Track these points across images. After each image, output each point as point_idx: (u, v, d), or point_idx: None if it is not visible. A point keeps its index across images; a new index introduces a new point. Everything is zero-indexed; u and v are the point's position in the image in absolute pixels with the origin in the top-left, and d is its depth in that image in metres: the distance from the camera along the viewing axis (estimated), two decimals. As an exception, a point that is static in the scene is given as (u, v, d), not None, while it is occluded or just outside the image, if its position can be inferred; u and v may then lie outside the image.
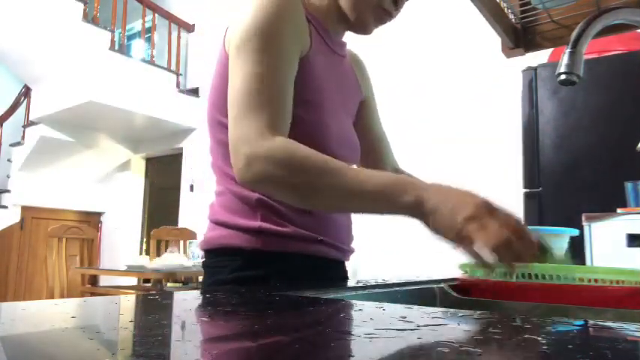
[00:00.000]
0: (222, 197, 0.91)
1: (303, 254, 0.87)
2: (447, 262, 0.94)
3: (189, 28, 5.99)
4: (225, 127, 0.85)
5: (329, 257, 0.91)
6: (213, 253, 0.90)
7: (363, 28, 0.92)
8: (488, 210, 0.63)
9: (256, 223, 0.85)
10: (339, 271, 0.98)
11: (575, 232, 1.10)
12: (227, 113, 0.84)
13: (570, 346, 0.36)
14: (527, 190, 2.29)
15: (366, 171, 0.73)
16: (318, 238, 0.88)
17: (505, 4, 1.36)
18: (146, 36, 5.86)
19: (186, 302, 0.61)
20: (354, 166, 0.76)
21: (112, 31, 5.14)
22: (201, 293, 0.71)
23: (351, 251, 0.99)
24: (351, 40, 1.00)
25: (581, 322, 0.47)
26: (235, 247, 0.86)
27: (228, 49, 0.84)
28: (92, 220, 6.42)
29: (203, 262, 0.94)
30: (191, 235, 4.32)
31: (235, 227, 0.86)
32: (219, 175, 0.92)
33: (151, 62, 5.43)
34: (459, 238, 0.62)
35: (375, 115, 1.10)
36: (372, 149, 1.06)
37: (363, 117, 1.06)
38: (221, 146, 0.89)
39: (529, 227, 0.90)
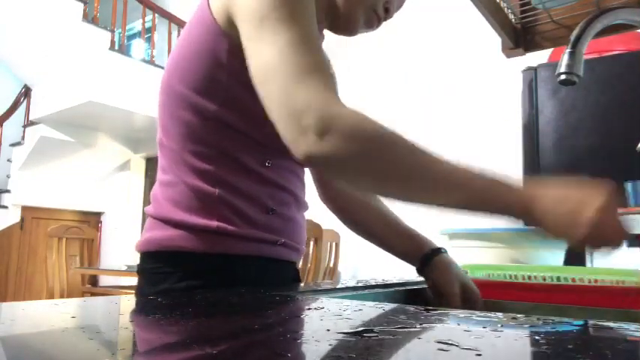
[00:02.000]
0: (171, 189, 0.78)
1: (262, 257, 0.80)
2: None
3: (189, 28, 5.98)
4: (191, 104, 0.75)
5: (285, 259, 0.85)
6: (157, 257, 0.78)
7: (350, 27, 0.84)
8: (611, 208, 0.61)
9: (214, 223, 0.74)
10: (292, 271, 0.92)
11: (575, 232, 1.10)
12: (199, 89, 0.75)
13: (570, 346, 0.36)
14: (527, 190, 2.29)
15: (457, 163, 0.63)
16: (280, 240, 0.81)
17: (505, 4, 1.36)
18: (146, 36, 5.86)
19: (186, 302, 0.61)
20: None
21: (112, 31, 5.14)
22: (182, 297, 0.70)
23: (304, 251, 0.93)
24: (351, 40, 1.00)
25: (581, 322, 0.47)
26: (187, 250, 0.75)
27: (219, 17, 0.73)
28: (92, 220, 6.42)
29: (139, 266, 0.82)
30: (191, 235, 4.32)
31: (187, 227, 0.75)
32: (172, 161, 0.79)
33: (151, 62, 5.43)
34: (581, 240, 0.60)
35: None
36: None
37: None
38: (182, 126, 0.77)
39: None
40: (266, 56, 0.65)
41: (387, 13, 0.86)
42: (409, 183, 0.62)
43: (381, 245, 0.95)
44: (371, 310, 0.52)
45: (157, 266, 0.78)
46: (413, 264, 0.90)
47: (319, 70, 0.64)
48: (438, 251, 0.88)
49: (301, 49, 0.65)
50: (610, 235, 0.61)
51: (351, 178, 0.65)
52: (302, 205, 0.91)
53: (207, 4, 0.75)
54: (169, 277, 0.76)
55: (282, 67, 0.64)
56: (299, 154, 0.62)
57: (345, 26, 0.85)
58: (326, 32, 0.93)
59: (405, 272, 1.11)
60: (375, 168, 0.62)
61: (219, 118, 0.75)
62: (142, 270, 0.82)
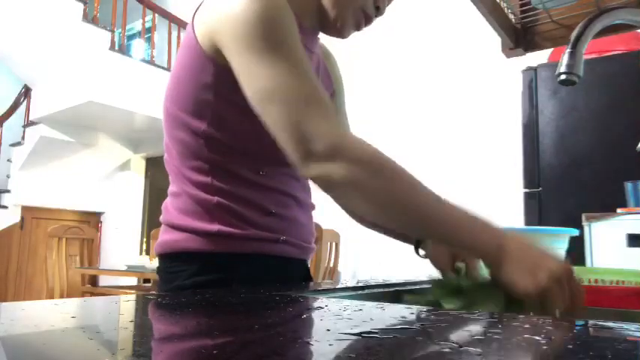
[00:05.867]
0: (177, 199, 0.85)
1: (264, 255, 0.84)
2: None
3: (189, 28, 5.98)
4: (186, 125, 0.80)
5: (291, 257, 0.88)
6: (169, 258, 0.85)
7: (340, 29, 0.86)
8: (568, 275, 0.63)
9: (214, 227, 0.80)
10: (302, 269, 0.94)
11: (575, 232, 1.10)
12: (189, 110, 0.80)
13: (570, 346, 0.36)
14: (527, 190, 2.29)
15: (449, 201, 0.68)
16: (281, 238, 0.85)
17: (505, 4, 1.36)
18: (146, 36, 5.86)
19: (186, 302, 0.61)
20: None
21: (112, 31, 5.13)
22: (196, 294, 0.70)
23: (313, 249, 0.95)
24: (351, 40, 1.00)
25: (581, 322, 0.47)
26: (192, 250, 0.81)
27: (204, 43, 0.76)
28: (92, 220, 6.42)
29: (157, 267, 0.89)
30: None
31: (192, 230, 0.81)
32: (175, 175, 0.86)
33: (151, 62, 5.43)
34: (539, 293, 0.61)
35: (341, 103, 1.05)
36: None
37: None
38: (179, 144, 0.83)
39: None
40: (262, 82, 0.70)
41: (378, 11, 0.87)
42: (403, 216, 0.68)
43: (386, 233, 0.97)
44: (371, 310, 0.52)
45: (168, 266, 0.85)
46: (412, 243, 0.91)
47: (319, 96, 0.70)
48: None
49: (294, 75, 0.70)
50: (566, 294, 0.62)
51: (351, 202, 0.71)
52: (305, 206, 0.93)
53: (192, 29, 0.78)
54: (179, 276, 0.82)
55: (281, 92, 0.69)
56: (308, 176, 0.69)
57: (335, 28, 0.87)
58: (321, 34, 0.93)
59: (405, 272, 1.11)
60: (374, 197, 0.67)
61: (210, 135, 0.80)
62: (158, 270, 0.88)
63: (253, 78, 0.71)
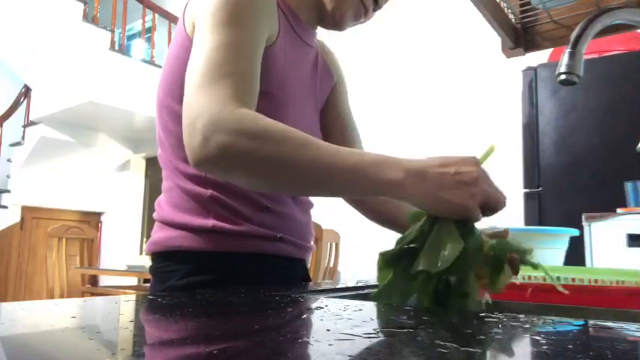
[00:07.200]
0: (170, 194, 0.83)
1: (261, 253, 0.81)
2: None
3: (189, 28, 5.98)
4: (177, 115, 0.77)
5: (289, 255, 0.86)
6: (162, 257, 0.82)
7: (339, 21, 0.85)
8: (483, 172, 0.62)
9: (209, 222, 0.78)
10: (300, 269, 0.92)
11: (575, 232, 1.10)
12: (178, 97, 0.76)
13: (570, 346, 0.36)
14: (527, 190, 2.29)
15: (344, 148, 0.62)
16: (277, 235, 0.82)
17: (505, 4, 1.36)
18: (146, 36, 5.86)
19: (186, 302, 0.61)
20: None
21: (112, 31, 5.14)
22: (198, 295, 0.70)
23: (312, 248, 0.94)
24: (350, 40, 0.99)
25: (581, 322, 0.47)
26: (186, 249, 0.79)
27: (189, 28, 0.77)
28: (92, 220, 6.42)
29: (150, 267, 0.86)
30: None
31: (186, 227, 0.79)
32: (168, 169, 0.84)
33: (151, 62, 5.43)
34: (469, 209, 0.57)
35: (344, 99, 1.03)
36: (339, 133, 0.98)
37: (331, 101, 1.00)
38: (171, 137, 0.82)
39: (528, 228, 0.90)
40: (194, 57, 0.69)
41: (376, 4, 0.86)
42: (294, 174, 0.60)
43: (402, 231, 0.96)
44: (371, 310, 0.52)
45: (162, 265, 0.82)
46: None
47: (228, 76, 0.65)
48: None
49: (220, 55, 0.66)
50: (493, 193, 0.60)
51: (241, 177, 0.64)
52: (301, 202, 0.91)
53: (182, 20, 0.80)
54: (173, 275, 0.80)
55: (200, 69, 0.66)
56: (190, 161, 0.62)
57: (334, 21, 0.86)
58: (321, 31, 0.93)
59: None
60: (262, 164, 0.60)
61: None
62: (151, 270, 0.86)
63: (193, 51, 0.70)
